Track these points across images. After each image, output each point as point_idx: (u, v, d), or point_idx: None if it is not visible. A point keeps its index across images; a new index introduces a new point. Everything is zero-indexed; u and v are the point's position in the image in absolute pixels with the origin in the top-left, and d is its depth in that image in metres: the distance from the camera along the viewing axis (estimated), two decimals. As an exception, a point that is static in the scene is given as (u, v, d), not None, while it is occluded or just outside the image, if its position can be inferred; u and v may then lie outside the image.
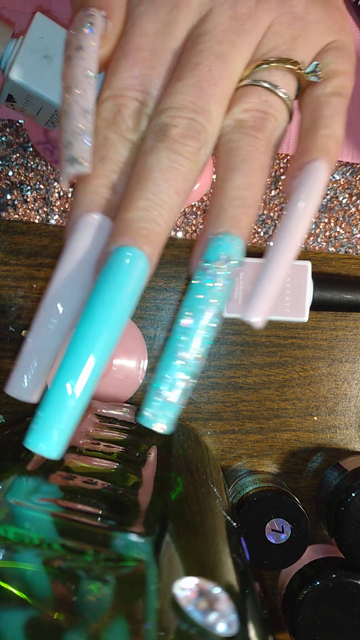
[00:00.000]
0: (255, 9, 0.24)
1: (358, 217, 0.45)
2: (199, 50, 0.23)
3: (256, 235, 0.45)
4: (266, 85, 0.24)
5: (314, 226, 0.45)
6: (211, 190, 0.24)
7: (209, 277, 0.21)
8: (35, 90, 0.31)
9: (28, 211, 0.43)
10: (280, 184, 0.45)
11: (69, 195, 0.43)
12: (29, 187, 0.43)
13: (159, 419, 0.20)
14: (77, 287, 0.21)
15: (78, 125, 0.22)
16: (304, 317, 0.42)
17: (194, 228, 0.44)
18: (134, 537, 0.23)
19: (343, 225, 0.45)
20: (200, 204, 0.44)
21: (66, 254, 0.22)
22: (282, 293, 0.41)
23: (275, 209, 0.45)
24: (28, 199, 0.43)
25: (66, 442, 0.19)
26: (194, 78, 0.23)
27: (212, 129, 0.23)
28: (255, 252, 0.45)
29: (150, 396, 0.21)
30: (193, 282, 0.21)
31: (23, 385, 0.21)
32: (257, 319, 0.21)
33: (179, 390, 0.21)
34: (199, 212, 0.44)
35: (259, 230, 0.45)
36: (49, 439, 0.19)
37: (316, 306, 0.43)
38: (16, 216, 0.43)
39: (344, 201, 0.45)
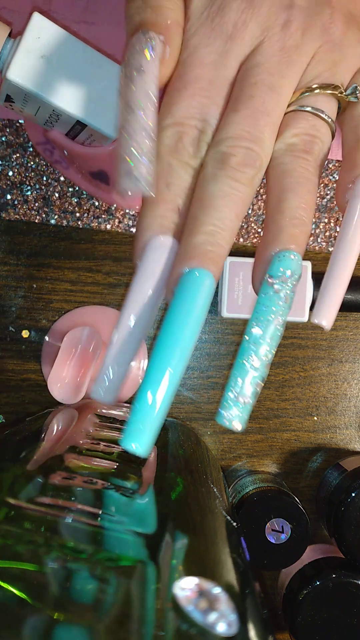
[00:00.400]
0: (302, 40, 0.27)
1: None
2: (252, 83, 0.26)
3: (257, 235, 0.45)
4: (312, 110, 0.27)
5: (313, 226, 0.45)
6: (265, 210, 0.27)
7: (274, 291, 0.24)
8: (32, 90, 0.31)
9: (28, 211, 0.43)
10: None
11: (69, 195, 0.43)
12: (29, 187, 0.43)
13: (235, 418, 0.23)
14: (150, 305, 0.24)
15: (140, 144, 0.24)
16: (304, 317, 0.42)
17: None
18: (133, 537, 0.23)
19: (343, 225, 0.45)
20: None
21: (140, 274, 0.24)
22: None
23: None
24: (28, 199, 0.43)
25: (153, 442, 0.21)
26: (249, 110, 0.25)
27: (265, 156, 0.25)
28: (254, 252, 0.45)
29: (226, 398, 0.23)
30: (261, 295, 0.24)
31: (101, 391, 0.23)
32: (327, 322, 0.24)
33: (250, 392, 0.23)
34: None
35: (259, 230, 0.45)
36: (139, 439, 0.21)
37: (316, 306, 0.43)
38: (16, 216, 0.43)
39: (344, 201, 0.45)
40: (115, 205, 0.44)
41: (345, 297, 0.43)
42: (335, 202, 0.45)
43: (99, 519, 0.25)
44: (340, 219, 0.45)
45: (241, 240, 0.45)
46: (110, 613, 0.19)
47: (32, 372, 0.44)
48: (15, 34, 0.32)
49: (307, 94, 0.27)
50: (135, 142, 0.24)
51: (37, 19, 0.30)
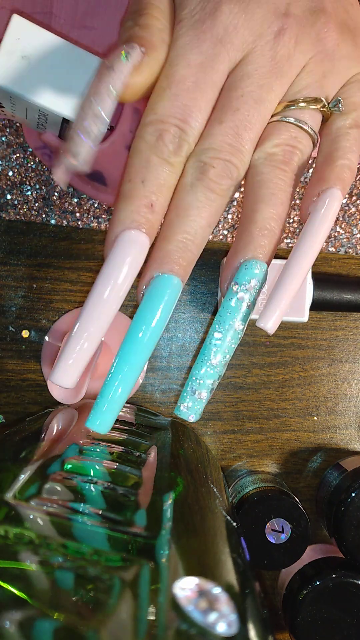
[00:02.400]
0: (294, 50, 0.27)
1: (358, 217, 0.45)
2: (239, 95, 0.26)
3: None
4: (295, 122, 0.27)
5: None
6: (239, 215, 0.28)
7: (238, 298, 0.26)
8: (16, 91, 0.31)
9: (28, 211, 0.43)
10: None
11: (70, 195, 0.43)
12: (29, 187, 0.43)
13: (190, 411, 0.26)
14: (117, 296, 0.25)
15: (85, 125, 0.24)
16: (304, 317, 0.42)
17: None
18: (133, 537, 0.23)
19: (343, 225, 0.45)
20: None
21: (108, 266, 0.25)
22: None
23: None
24: (28, 199, 0.43)
25: (112, 422, 0.25)
26: (233, 122, 0.26)
27: (243, 167, 0.26)
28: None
29: (184, 394, 0.26)
30: (226, 300, 0.26)
31: (63, 377, 0.25)
32: (270, 327, 0.26)
33: (207, 388, 0.26)
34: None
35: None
36: (100, 419, 0.25)
37: (316, 306, 0.43)
38: (17, 216, 0.43)
39: (344, 201, 0.45)
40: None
41: (346, 297, 0.43)
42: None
43: (99, 519, 0.25)
44: (340, 218, 0.45)
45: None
46: (111, 613, 0.19)
47: (32, 372, 0.44)
48: None
49: (292, 107, 0.27)
50: (83, 123, 0.24)
51: (16, 21, 0.31)
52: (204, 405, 0.26)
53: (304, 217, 0.28)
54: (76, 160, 0.24)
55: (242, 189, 0.29)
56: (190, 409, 0.26)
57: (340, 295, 0.43)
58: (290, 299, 0.26)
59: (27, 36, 0.31)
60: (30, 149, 0.43)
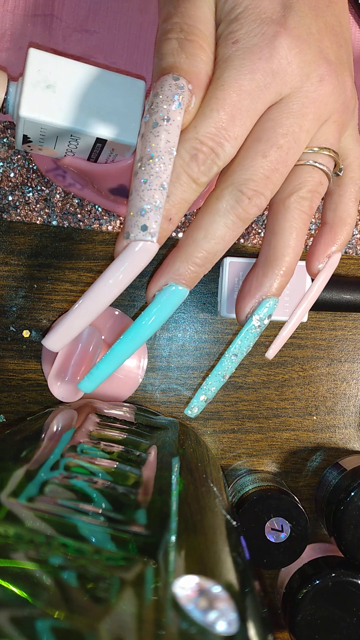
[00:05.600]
0: (329, 99, 0.28)
1: (358, 217, 0.45)
2: (285, 133, 0.27)
3: (257, 236, 0.45)
4: (322, 167, 0.29)
5: (313, 227, 0.45)
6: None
7: (255, 328, 0.30)
8: (48, 121, 0.31)
9: (29, 212, 0.43)
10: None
11: (71, 197, 0.43)
12: (30, 189, 0.43)
13: (195, 414, 0.31)
14: (117, 287, 0.27)
15: (155, 199, 0.26)
16: (304, 317, 0.42)
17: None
18: (134, 536, 0.23)
19: (342, 226, 0.45)
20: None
21: (118, 263, 0.27)
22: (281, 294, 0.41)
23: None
24: (29, 200, 0.43)
25: (97, 385, 0.29)
26: (276, 159, 0.27)
27: (269, 199, 0.28)
28: (255, 252, 0.45)
29: (197, 399, 0.31)
30: (245, 329, 0.30)
31: (54, 343, 0.29)
32: (270, 355, 0.32)
33: (213, 395, 0.31)
34: (199, 213, 0.44)
35: (260, 231, 0.45)
36: (90, 383, 0.29)
37: (315, 306, 0.43)
38: (18, 217, 0.43)
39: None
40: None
41: (345, 297, 0.43)
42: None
43: (99, 518, 0.25)
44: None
45: (241, 240, 0.45)
46: (111, 612, 0.20)
47: (33, 372, 0.44)
48: (16, 78, 0.32)
49: (316, 150, 0.29)
50: (152, 196, 0.26)
51: (33, 53, 0.31)
52: (204, 406, 0.31)
53: (313, 272, 0.32)
54: (148, 236, 0.26)
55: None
56: (196, 413, 0.31)
57: (340, 295, 0.43)
58: (288, 336, 0.33)
59: (46, 66, 0.31)
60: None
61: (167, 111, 0.26)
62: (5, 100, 0.32)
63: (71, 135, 0.32)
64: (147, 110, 0.27)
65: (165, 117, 0.26)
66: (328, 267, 0.32)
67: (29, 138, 0.33)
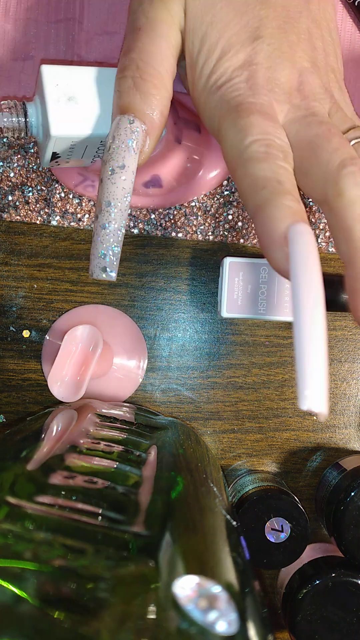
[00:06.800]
0: (326, 96, 0.30)
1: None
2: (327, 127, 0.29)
3: (257, 236, 0.45)
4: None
5: (314, 227, 0.45)
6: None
7: None
8: (79, 134, 0.31)
9: (29, 212, 0.43)
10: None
11: (70, 196, 0.43)
12: (30, 188, 0.43)
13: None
14: (319, 282, 0.25)
15: (112, 242, 0.28)
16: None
17: (194, 229, 0.44)
18: (134, 536, 0.23)
19: (343, 226, 0.45)
20: (199, 204, 0.44)
21: (298, 260, 0.25)
22: (281, 293, 0.41)
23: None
24: (29, 200, 0.43)
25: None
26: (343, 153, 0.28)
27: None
28: (255, 252, 0.45)
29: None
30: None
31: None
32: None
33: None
34: (199, 213, 0.44)
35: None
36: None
37: (316, 306, 0.43)
38: (17, 217, 0.43)
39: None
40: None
41: (345, 297, 0.43)
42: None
43: (99, 518, 0.25)
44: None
45: (241, 240, 0.45)
46: (111, 612, 0.20)
47: (33, 372, 0.44)
48: (28, 99, 0.32)
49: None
50: (110, 240, 0.28)
51: (47, 70, 0.31)
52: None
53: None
54: (108, 275, 0.29)
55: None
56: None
57: (340, 295, 0.43)
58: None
59: (62, 79, 0.31)
60: (32, 150, 0.43)
61: (123, 158, 0.28)
62: (27, 122, 0.32)
63: (101, 142, 0.32)
64: (105, 153, 0.29)
65: (121, 164, 0.28)
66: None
67: (58, 154, 0.33)
